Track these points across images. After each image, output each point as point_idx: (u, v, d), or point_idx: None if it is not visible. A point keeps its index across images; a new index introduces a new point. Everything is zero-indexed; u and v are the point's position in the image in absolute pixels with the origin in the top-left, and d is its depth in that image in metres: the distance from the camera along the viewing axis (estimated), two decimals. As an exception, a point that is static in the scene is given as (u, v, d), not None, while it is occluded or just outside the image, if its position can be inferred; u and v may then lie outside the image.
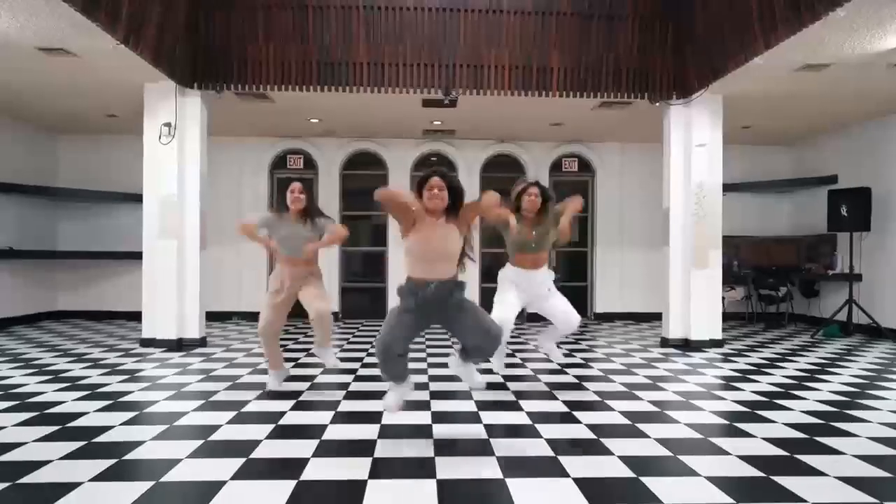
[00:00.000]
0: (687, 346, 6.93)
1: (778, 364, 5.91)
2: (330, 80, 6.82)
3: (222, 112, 7.68)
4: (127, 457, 3.14)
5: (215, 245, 8.96)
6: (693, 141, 7.00)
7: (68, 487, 2.72)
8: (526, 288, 4.58)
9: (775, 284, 9.20)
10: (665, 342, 7.11)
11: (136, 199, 7.31)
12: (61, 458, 3.09)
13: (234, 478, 2.86)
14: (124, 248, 8.91)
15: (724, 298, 9.44)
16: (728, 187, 9.22)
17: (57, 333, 7.77)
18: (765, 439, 3.51)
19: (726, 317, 9.42)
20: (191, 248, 6.90)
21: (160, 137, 6.77)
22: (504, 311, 4.47)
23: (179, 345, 6.70)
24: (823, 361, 6.08)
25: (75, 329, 8.23)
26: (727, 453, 3.27)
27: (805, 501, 2.64)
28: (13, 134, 8.49)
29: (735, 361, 6.06)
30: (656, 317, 7.85)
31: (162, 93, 6.72)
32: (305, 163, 9.85)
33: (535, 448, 3.34)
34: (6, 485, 2.75)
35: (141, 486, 2.74)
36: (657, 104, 7.11)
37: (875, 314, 7.66)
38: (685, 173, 7.11)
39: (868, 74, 6.06)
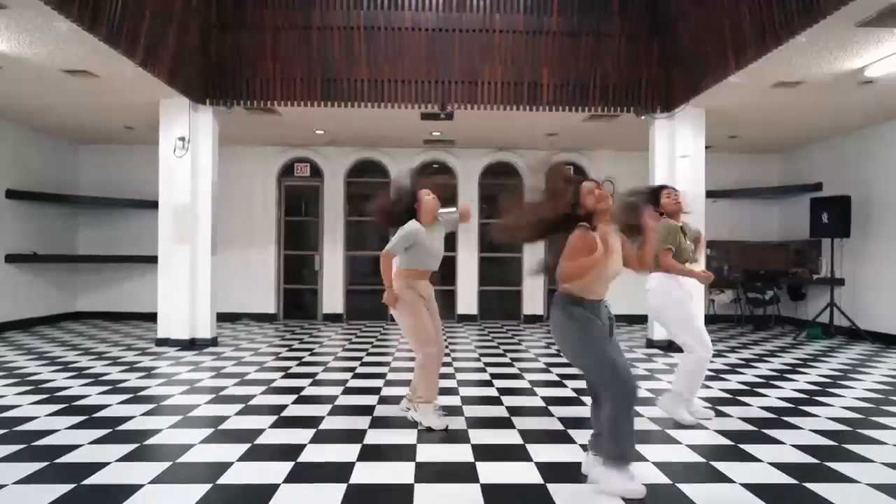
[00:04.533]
0: (671, 347, 7.28)
1: (752, 364, 6.28)
2: (333, 95, 7.25)
3: (232, 124, 8.13)
4: (147, 442, 3.58)
5: (225, 249, 9.43)
6: (677, 152, 7.37)
7: (96, 468, 3.16)
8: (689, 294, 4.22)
9: (762, 288, 9.53)
10: (650, 343, 7.48)
11: (152, 205, 7.78)
12: (90, 443, 3.54)
13: (240, 459, 3.29)
14: (140, 253, 9.40)
15: (713, 301, 9.86)
16: (719, 193, 9.63)
17: (77, 333, 8.26)
18: (718, 431, 3.89)
19: (716, 319, 9.83)
20: (203, 254, 7.36)
21: (175, 150, 7.23)
22: (706, 351, 4.08)
23: (192, 344, 7.16)
24: (796, 361, 6.44)
25: (94, 329, 8.72)
26: (679, 442, 3.66)
27: (734, 482, 3.03)
28: (38, 145, 8.99)
29: (712, 361, 6.41)
30: (647, 319, 8.20)
31: (176, 108, 7.18)
32: (312, 170, 10.30)
33: (508, 437, 3.74)
34: (44, 464, 3.19)
35: (159, 467, 3.18)
36: (642, 117, 7.48)
37: (855, 317, 7.99)
38: (669, 183, 7.43)
39: (840, 91, 6.40)
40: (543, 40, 7.28)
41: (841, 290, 8.44)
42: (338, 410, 4.32)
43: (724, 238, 9.90)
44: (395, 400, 4.59)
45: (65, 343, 7.37)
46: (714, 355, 6.76)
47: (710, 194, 7.90)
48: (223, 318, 9.53)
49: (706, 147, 7.53)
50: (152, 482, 2.98)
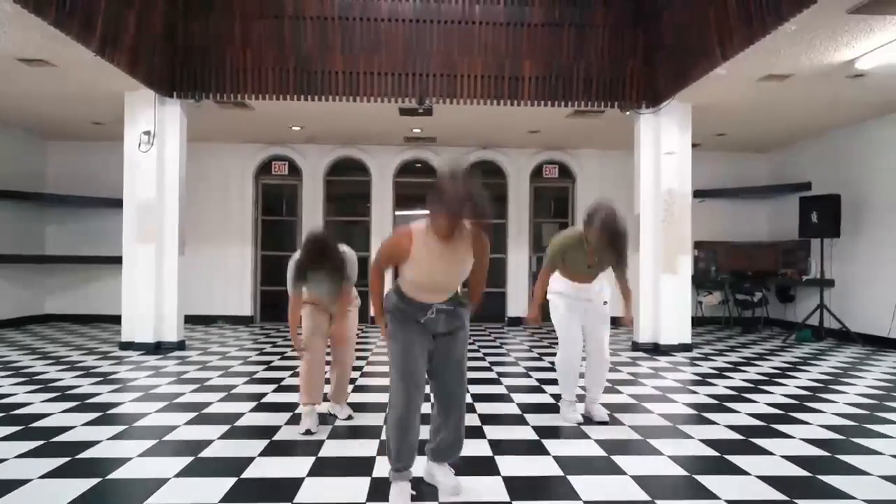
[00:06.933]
0: (656, 350, 7.05)
1: (741, 368, 6.03)
2: (306, 88, 6.96)
3: (204, 119, 7.81)
4: (80, 455, 3.26)
5: (201, 249, 9.12)
6: (662, 148, 7.13)
7: (19, 483, 2.84)
8: (576, 297, 4.02)
9: (750, 289, 9.32)
10: (635, 346, 7.22)
11: (122, 203, 7.42)
12: (17, 457, 3.22)
13: (177, 476, 2.99)
14: (111, 253, 9.02)
15: (701, 303, 9.64)
16: (708, 193, 9.42)
17: (41, 337, 7.89)
18: (703, 441, 3.63)
19: (704, 321, 9.61)
20: (169, 253, 7.03)
21: (139, 145, 6.91)
22: (568, 349, 4.01)
23: (157, 348, 6.83)
24: (785, 365, 6.20)
25: (60, 332, 8.35)
26: (660, 453, 3.40)
27: (719, 499, 2.77)
28: (1, 139, 8.61)
29: (699, 365, 6.18)
30: (631, 321, 7.98)
31: (142, 101, 6.85)
32: (290, 169, 9.99)
33: (478, 448, 3.46)
34: (-40, 482, 2.88)
35: (88, 483, 2.87)
36: (627, 113, 7.24)
37: (846, 319, 7.77)
38: (655, 180, 7.23)
39: (829, 84, 6.18)
40: (524, 32, 7.03)
41: (831, 291, 8.23)
42: (297, 420, 4.01)
43: (711, 238, 9.71)
44: (366, 407, 4.31)
45: (24, 347, 7.00)
46: (701, 359, 6.54)
47: (697, 194, 7.68)
48: (197, 320, 9.22)
49: (693, 145, 7.32)
50: None
